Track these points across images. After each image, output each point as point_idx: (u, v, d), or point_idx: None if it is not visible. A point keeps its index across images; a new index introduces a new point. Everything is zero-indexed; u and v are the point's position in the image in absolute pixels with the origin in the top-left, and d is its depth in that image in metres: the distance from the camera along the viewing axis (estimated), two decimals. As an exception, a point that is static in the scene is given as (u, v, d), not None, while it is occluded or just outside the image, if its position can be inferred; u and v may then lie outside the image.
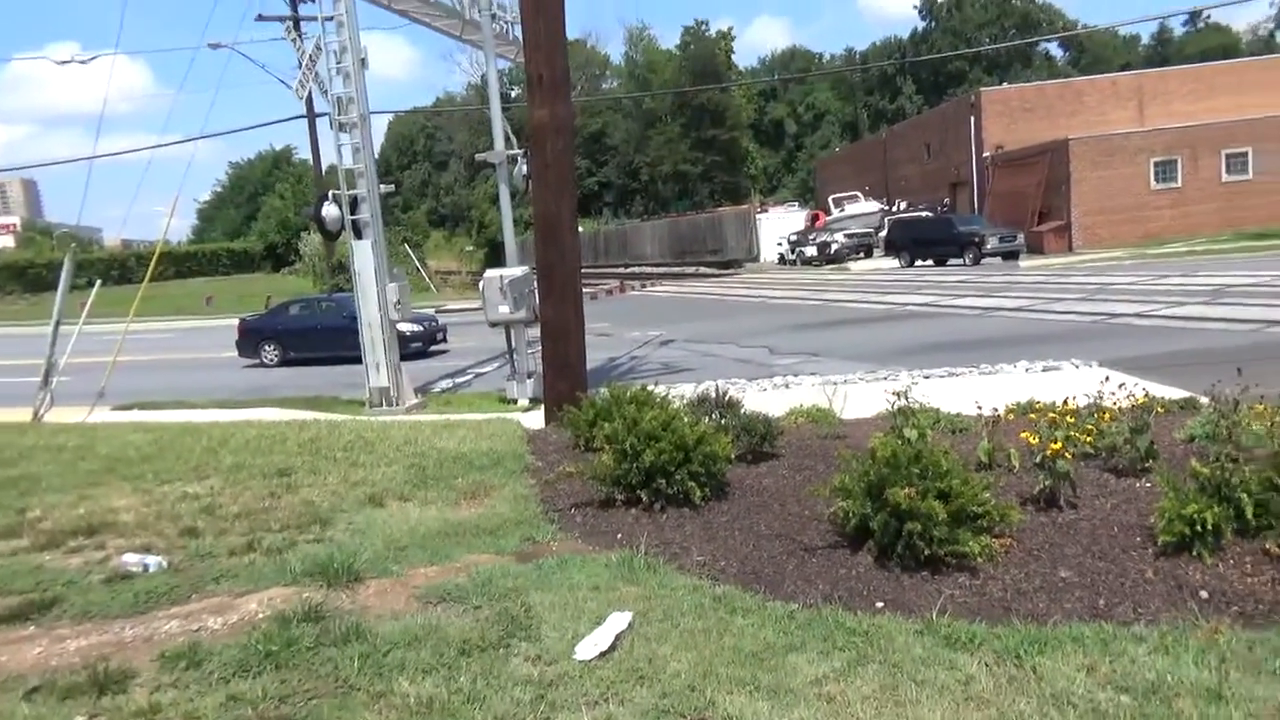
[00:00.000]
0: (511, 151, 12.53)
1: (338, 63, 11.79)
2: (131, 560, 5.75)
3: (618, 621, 4.28)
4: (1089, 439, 5.92)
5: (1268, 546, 4.60)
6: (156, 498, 7.30)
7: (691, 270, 50.82)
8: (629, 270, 57.64)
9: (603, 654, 4.06)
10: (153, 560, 5.74)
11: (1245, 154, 37.06)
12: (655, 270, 54.35)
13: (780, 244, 48.58)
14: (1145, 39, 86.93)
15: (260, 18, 27.91)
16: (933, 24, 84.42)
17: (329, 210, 12.40)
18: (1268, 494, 4.69)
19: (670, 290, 38.08)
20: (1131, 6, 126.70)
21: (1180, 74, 46.08)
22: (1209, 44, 76.12)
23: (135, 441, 9.62)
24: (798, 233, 48.07)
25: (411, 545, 5.91)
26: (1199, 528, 4.59)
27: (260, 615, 4.83)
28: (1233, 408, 5.83)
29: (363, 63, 11.84)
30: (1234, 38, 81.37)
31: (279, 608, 4.85)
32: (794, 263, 45.88)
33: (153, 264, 15.85)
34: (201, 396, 15.33)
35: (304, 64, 12.07)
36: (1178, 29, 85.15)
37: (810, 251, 44.60)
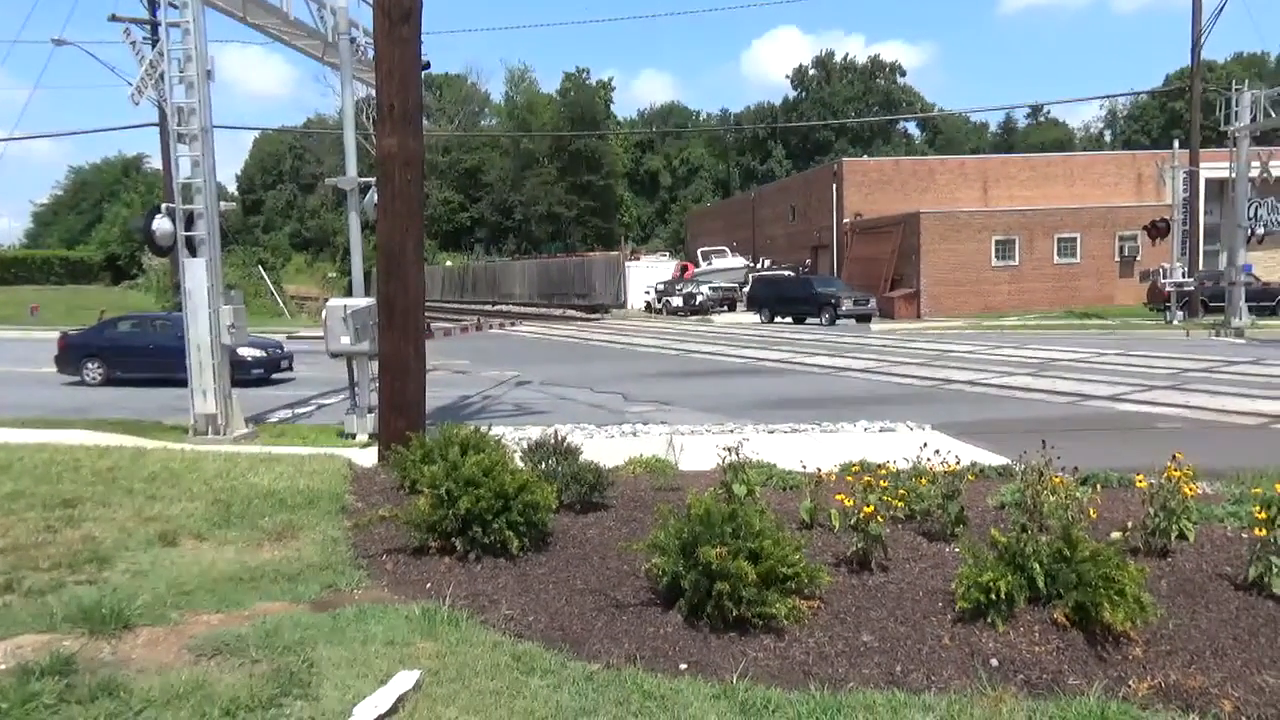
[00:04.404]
0: (364, 180, 12.12)
1: (180, 71, 11.15)
2: None
3: (403, 681, 4.00)
4: (900, 503, 6.05)
5: (1056, 616, 4.76)
6: (-90, 528, 6.49)
7: (558, 312, 50.73)
8: (496, 308, 57.03)
9: (382, 716, 3.77)
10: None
11: (1075, 239, 40.19)
12: (522, 310, 53.99)
13: (648, 292, 49.16)
14: (993, 127, 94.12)
15: (113, 18, 26.01)
16: (803, 94, 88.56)
17: (160, 224, 11.62)
18: (1058, 564, 4.86)
19: (535, 331, 37.80)
20: (984, 96, 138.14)
21: (1020, 161, 49.81)
22: (1047, 136, 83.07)
23: (-98, 463, 8.58)
24: (665, 282, 48.79)
25: (199, 590, 5.43)
26: (993, 595, 4.71)
27: (2, 667, 4.29)
28: (1037, 478, 6.10)
29: (208, 74, 11.24)
30: (1069, 132, 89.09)
31: (26, 658, 4.32)
32: (660, 311, 46.49)
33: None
34: (7, 414, 14.00)
35: (144, 70, 11.35)
36: (1021, 120, 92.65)
37: (676, 302, 45.33)
